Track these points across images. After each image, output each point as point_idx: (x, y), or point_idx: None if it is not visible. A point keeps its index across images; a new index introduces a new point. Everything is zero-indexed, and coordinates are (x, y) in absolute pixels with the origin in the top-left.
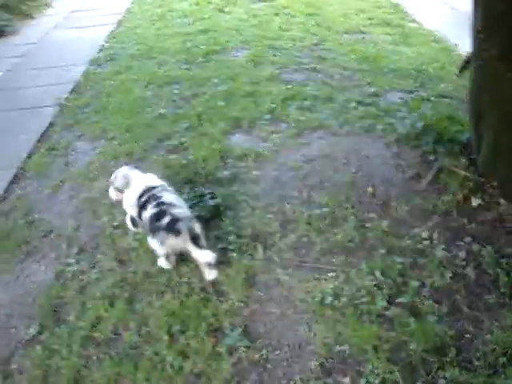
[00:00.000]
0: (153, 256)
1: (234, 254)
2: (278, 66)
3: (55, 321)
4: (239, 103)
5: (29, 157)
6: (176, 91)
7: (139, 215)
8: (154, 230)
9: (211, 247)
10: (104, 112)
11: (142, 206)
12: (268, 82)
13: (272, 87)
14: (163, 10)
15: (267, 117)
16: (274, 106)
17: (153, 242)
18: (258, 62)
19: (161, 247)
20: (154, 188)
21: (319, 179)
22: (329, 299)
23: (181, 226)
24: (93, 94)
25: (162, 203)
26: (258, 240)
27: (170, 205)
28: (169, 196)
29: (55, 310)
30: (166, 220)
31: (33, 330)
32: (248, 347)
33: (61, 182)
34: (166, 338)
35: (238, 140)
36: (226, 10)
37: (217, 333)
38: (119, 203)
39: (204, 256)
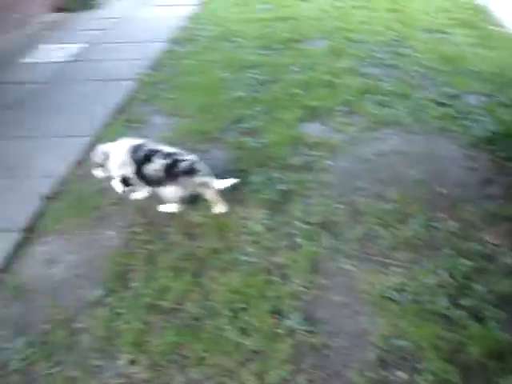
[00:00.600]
0: (220, 233)
1: (300, 240)
2: (356, 59)
3: (121, 286)
4: (315, 92)
5: (106, 126)
6: (253, 75)
7: (138, 171)
8: (173, 176)
9: (278, 231)
10: (181, 90)
11: (142, 161)
12: (345, 74)
13: (349, 79)
14: None
15: (342, 108)
16: (349, 98)
17: (171, 189)
18: (336, 53)
19: (181, 190)
20: (143, 144)
21: (391, 174)
22: (391, 293)
23: (198, 165)
24: (171, 71)
25: (169, 153)
26: (325, 228)
27: (178, 153)
28: (167, 147)
29: (122, 276)
30: (184, 164)
31: (99, 293)
32: (308, 331)
33: None
34: (227, 313)
35: (312, 129)
36: None
37: (278, 314)
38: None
39: (223, 183)
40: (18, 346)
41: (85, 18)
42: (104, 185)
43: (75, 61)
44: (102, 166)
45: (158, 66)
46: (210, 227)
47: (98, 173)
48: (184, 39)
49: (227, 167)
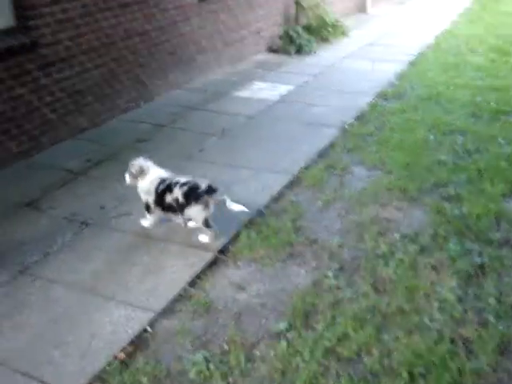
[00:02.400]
0: (409, 293)
1: (491, 318)
2: None
3: (304, 325)
4: None
5: (306, 168)
6: (459, 141)
7: (158, 201)
8: (195, 198)
9: (468, 303)
10: (385, 145)
11: (162, 193)
12: None
13: None
14: (457, 60)
15: None
16: None
17: (195, 210)
18: None
19: (204, 211)
20: (166, 178)
21: None
22: None
23: (214, 186)
24: (376, 125)
25: (186, 181)
26: None
27: (193, 180)
28: (184, 177)
29: (306, 315)
30: (203, 186)
31: (282, 326)
32: None
33: (333, 199)
34: (405, 376)
35: None
36: None
37: None
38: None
39: (238, 206)
40: (198, 358)
41: (296, 62)
42: (299, 224)
43: (283, 101)
44: (134, 176)
45: (363, 117)
46: (400, 285)
47: (127, 179)
48: (391, 95)
49: (422, 229)
